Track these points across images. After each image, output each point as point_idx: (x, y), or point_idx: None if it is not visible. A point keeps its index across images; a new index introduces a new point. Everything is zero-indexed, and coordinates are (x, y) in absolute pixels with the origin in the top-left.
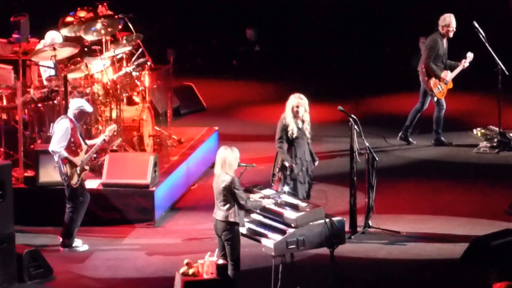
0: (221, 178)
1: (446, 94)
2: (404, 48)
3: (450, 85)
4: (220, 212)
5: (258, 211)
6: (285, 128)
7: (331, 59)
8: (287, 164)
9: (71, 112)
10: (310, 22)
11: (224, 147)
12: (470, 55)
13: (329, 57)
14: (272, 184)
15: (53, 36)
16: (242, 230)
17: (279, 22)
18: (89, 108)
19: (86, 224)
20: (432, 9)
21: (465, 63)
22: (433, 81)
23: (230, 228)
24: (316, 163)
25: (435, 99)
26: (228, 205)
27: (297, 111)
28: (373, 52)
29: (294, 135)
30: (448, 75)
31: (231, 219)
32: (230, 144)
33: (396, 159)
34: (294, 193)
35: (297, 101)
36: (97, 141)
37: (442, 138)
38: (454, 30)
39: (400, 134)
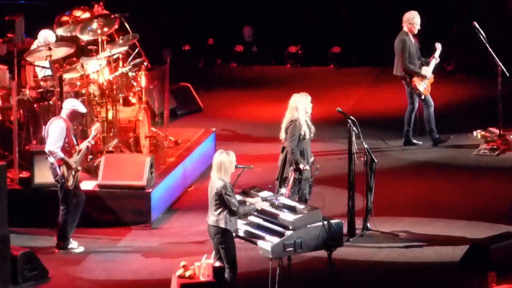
0: (215, 183)
1: (430, 89)
2: None
3: (432, 80)
4: (211, 216)
5: (255, 213)
6: (299, 129)
7: (330, 59)
8: (301, 166)
9: (64, 112)
10: (308, 22)
11: (220, 151)
12: (438, 46)
13: (327, 56)
14: (279, 188)
15: (46, 35)
16: (240, 232)
17: (276, 21)
18: (82, 108)
19: (81, 226)
20: (432, 10)
21: (436, 54)
22: (416, 80)
23: (221, 232)
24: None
25: (423, 97)
26: (219, 211)
27: (309, 110)
28: (371, 52)
29: (307, 136)
30: (428, 71)
31: (222, 225)
32: (227, 145)
33: (395, 161)
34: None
35: (308, 99)
36: (85, 144)
37: (437, 136)
38: (419, 26)
39: (403, 141)
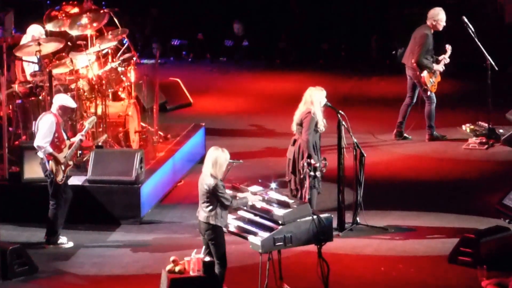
0: (206, 180)
1: (436, 87)
2: (390, 43)
3: (439, 78)
4: (202, 213)
5: (245, 208)
6: (315, 122)
7: (317, 54)
8: (313, 162)
9: (54, 108)
10: (296, 16)
11: (215, 147)
12: (449, 48)
13: (315, 52)
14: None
15: (35, 30)
16: (230, 227)
17: (265, 16)
18: (72, 104)
19: (71, 221)
20: (419, 3)
21: (447, 55)
22: (426, 76)
23: (212, 228)
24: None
25: (429, 93)
26: (210, 207)
27: (323, 103)
28: (359, 47)
29: (322, 129)
30: (439, 69)
31: (212, 222)
32: (217, 140)
33: (385, 155)
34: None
35: (323, 94)
36: (78, 137)
37: (435, 133)
38: (444, 22)
39: (394, 132)
